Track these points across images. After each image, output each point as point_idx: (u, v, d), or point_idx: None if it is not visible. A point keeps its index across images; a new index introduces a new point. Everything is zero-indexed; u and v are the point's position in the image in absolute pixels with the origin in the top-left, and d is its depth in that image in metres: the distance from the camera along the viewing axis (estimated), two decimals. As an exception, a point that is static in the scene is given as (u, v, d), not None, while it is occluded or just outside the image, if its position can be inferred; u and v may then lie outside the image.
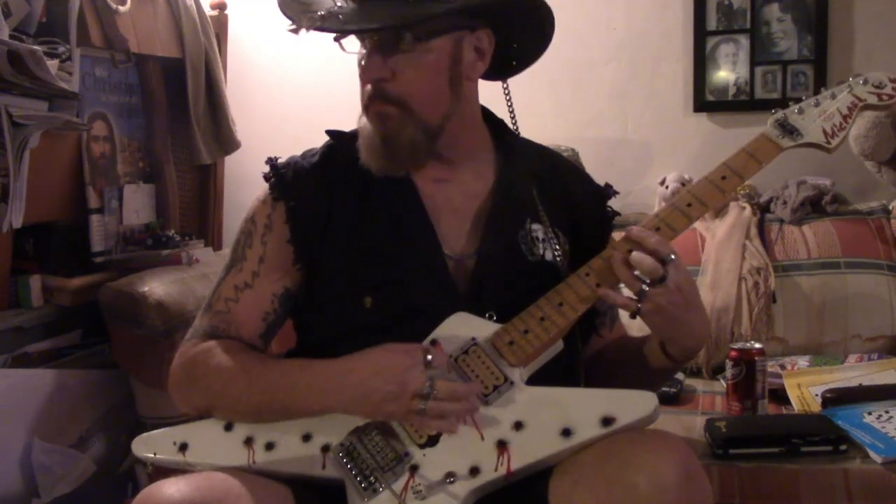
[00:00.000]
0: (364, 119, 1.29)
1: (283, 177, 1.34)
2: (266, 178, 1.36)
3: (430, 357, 1.14)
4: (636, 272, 1.19)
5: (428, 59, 1.25)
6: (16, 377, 2.00)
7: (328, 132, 1.40)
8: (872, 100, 1.36)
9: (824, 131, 1.33)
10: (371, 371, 1.16)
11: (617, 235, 1.36)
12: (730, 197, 2.33)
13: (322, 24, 1.21)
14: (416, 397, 1.12)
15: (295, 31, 1.22)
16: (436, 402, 1.13)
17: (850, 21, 2.50)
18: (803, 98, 1.37)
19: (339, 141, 1.38)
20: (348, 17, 1.20)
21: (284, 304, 1.34)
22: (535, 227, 1.35)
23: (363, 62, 1.26)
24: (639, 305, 1.18)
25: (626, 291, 1.23)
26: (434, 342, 1.22)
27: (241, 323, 1.32)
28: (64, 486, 2.11)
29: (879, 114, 2.22)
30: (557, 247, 1.35)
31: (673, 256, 1.19)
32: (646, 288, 1.18)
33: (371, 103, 1.27)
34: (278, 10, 1.24)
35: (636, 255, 1.18)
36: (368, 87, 1.26)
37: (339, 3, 1.22)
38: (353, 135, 1.37)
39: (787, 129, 1.33)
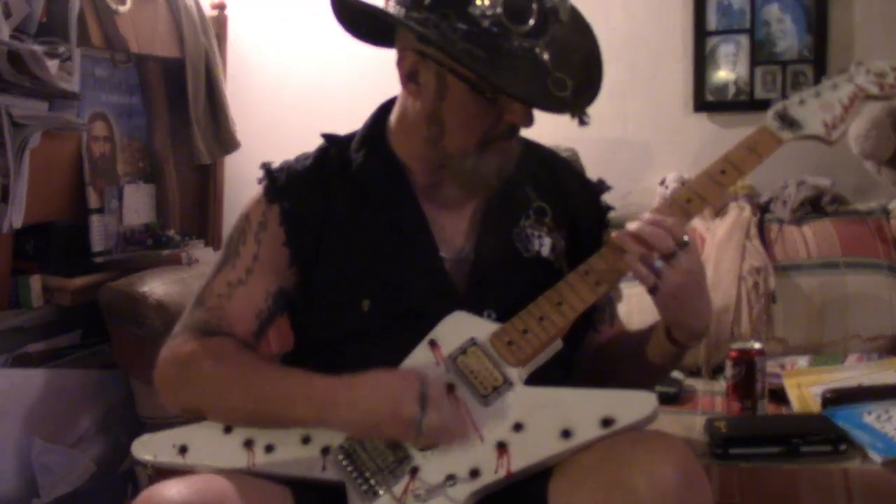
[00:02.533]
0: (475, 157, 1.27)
1: (276, 180, 1.34)
2: (260, 181, 1.36)
3: (425, 388, 1.13)
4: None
5: None
6: (16, 377, 2.01)
7: (324, 136, 1.40)
8: (874, 90, 1.33)
9: (825, 123, 1.31)
10: (369, 391, 1.15)
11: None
12: (729, 193, 2.33)
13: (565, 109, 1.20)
14: (408, 424, 1.12)
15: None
16: (426, 435, 1.13)
17: (850, 21, 2.49)
18: (803, 88, 1.35)
19: (334, 144, 1.38)
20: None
21: (278, 302, 1.34)
22: (531, 223, 1.35)
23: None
24: (657, 282, 1.19)
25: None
26: (432, 343, 1.23)
27: (233, 320, 1.31)
28: (64, 486, 2.11)
29: (879, 114, 2.22)
30: (553, 242, 1.35)
31: (686, 238, 1.20)
32: (659, 265, 1.18)
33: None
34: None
35: (650, 229, 1.19)
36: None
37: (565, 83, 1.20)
38: (349, 138, 1.38)
39: (788, 121, 1.31)
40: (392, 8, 1.22)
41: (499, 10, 1.15)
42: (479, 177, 1.27)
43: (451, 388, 1.19)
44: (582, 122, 1.19)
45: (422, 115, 1.27)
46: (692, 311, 1.22)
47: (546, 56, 1.19)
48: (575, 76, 1.20)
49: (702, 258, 2.18)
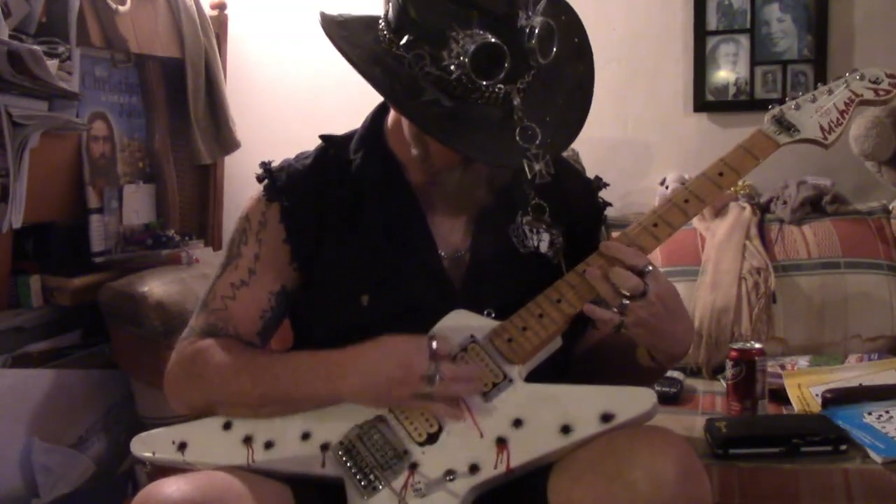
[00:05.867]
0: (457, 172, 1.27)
1: (276, 179, 1.35)
2: (259, 180, 1.36)
3: (434, 345, 1.15)
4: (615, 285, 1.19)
5: None
6: (16, 377, 2.01)
7: (321, 137, 1.41)
8: (869, 95, 1.36)
9: (821, 127, 1.33)
10: (379, 356, 1.17)
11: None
12: (727, 194, 2.33)
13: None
14: (423, 380, 1.13)
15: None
16: (443, 385, 1.14)
17: (850, 21, 2.50)
18: (800, 94, 1.37)
19: (333, 145, 1.38)
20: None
21: (281, 302, 1.34)
22: (527, 219, 1.35)
23: None
24: (622, 319, 1.18)
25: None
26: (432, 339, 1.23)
27: (238, 320, 1.31)
28: (64, 486, 2.11)
29: (879, 114, 2.22)
30: (552, 238, 1.35)
31: (650, 267, 1.19)
32: (626, 302, 1.18)
33: None
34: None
35: (616, 271, 1.18)
36: None
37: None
38: (347, 137, 1.39)
39: (784, 125, 1.33)
40: (381, 30, 1.22)
41: (466, 60, 1.12)
42: (467, 189, 1.28)
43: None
44: (541, 177, 1.15)
45: (409, 133, 1.28)
46: (665, 337, 1.22)
47: (517, 101, 1.17)
48: (553, 118, 1.19)
49: (702, 258, 2.21)
